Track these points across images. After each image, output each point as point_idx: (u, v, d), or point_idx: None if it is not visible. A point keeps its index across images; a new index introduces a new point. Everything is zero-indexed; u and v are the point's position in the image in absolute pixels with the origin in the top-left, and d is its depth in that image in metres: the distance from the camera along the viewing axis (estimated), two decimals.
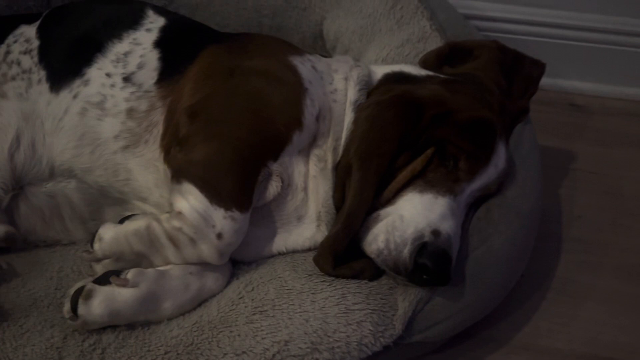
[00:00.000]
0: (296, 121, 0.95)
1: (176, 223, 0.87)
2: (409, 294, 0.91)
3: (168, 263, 0.91)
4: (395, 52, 1.26)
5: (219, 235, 0.88)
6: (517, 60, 1.19)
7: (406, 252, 0.87)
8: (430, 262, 0.85)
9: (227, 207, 0.88)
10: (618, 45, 1.61)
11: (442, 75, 1.09)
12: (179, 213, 0.88)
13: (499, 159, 0.99)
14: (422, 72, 1.11)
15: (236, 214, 0.89)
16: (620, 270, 1.18)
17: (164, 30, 1.08)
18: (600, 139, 1.52)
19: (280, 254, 0.99)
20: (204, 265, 0.92)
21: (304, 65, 1.03)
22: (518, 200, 1.03)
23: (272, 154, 0.94)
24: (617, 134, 1.53)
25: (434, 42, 1.22)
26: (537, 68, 1.21)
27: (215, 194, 0.88)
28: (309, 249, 0.98)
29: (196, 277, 0.92)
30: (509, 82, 1.16)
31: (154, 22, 1.09)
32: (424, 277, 0.86)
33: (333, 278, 0.91)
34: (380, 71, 1.10)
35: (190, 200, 0.87)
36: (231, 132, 0.92)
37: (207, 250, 0.89)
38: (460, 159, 0.95)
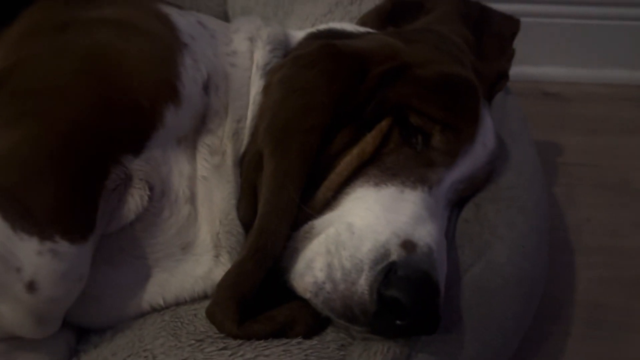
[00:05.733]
0: (168, 89, 0.64)
1: None
2: (372, 355, 0.55)
3: None
4: (323, 21, 1.00)
5: (31, 286, 0.54)
6: (484, 14, 0.96)
7: (362, 282, 0.56)
8: (405, 295, 0.54)
9: (43, 235, 0.54)
10: (592, 18, 1.41)
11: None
12: None
13: (487, 134, 0.71)
14: (362, 29, 0.84)
15: (61, 245, 0.54)
16: None
17: None
18: (587, 128, 1.30)
19: (155, 309, 0.65)
20: (15, 341, 0.59)
21: (184, 17, 0.74)
22: (517, 190, 0.73)
23: (130, 144, 0.61)
24: (605, 120, 1.32)
25: (372, 2, 0.97)
26: (510, 24, 0.98)
27: (21, 212, 0.54)
28: (205, 297, 0.65)
29: None
30: (477, 40, 0.87)
31: None
32: (397, 322, 0.55)
33: (240, 341, 0.57)
34: (301, 33, 0.83)
35: None
36: (54, 110, 0.58)
37: (10, 313, 0.55)
38: (433, 133, 0.67)
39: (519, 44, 1.44)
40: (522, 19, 1.37)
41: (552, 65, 1.47)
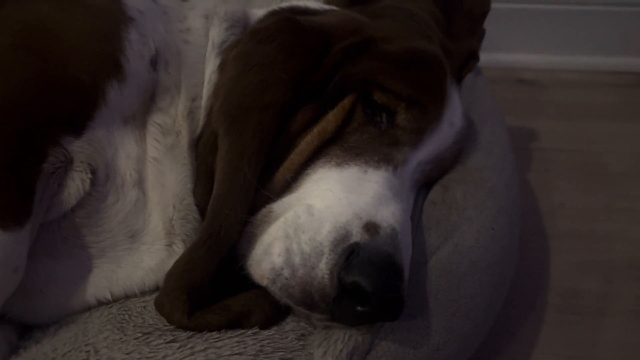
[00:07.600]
0: (111, 65, 0.58)
1: None
2: (332, 343, 0.51)
3: None
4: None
5: None
6: None
7: (322, 266, 0.52)
8: (367, 279, 0.50)
9: None
10: (566, 4, 1.38)
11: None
12: None
13: (454, 113, 0.67)
14: (326, 6, 0.79)
15: None
16: (636, 268, 0.86)
17: None
18: (562, 114, 1.27)
19: (103, 303, 0.59)
20: None
21: None
22: (487, 172, 0.69)
23: (70, 124, 0.56)
24: (579, 106, 1.29)
25: None
26: (480, 4, 0.94)
27: None
28: (157, 290, 0.59)
29: None
30: (447, 19, 0.84)
31: None
32: (358, 308, 0.51)
33: (191, 333, 0.52)
34: (262, 11, 0.77)
35: None
36: None
37: None
38: (398, 111, 0.63)
39: (493, 31, 1.41)
40: (496, 5, 1.35)
41: (526, 52, 1.43)
